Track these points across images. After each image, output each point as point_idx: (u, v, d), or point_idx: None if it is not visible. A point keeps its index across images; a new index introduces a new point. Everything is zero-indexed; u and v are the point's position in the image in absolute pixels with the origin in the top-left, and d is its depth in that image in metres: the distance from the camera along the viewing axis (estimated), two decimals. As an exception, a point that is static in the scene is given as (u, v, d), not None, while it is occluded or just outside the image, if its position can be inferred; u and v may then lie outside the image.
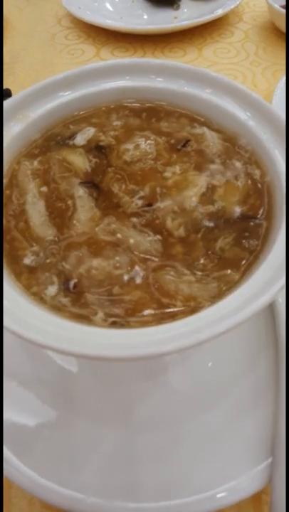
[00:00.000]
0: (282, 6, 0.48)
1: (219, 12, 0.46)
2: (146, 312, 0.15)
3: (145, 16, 0.52)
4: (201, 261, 0.16)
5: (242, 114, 0.20)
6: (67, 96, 0.22)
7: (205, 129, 0.21)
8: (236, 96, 0.21)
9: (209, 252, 0.17)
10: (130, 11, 0.53)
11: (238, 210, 0.18)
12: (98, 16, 0.50)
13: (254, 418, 0.18)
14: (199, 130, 0.21)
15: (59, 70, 0.45)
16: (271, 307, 0.22)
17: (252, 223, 0.17)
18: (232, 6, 0.47)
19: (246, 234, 0.17)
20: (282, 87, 0.35)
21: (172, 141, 0.21)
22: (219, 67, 0.44)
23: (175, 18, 0.50)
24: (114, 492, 0.16)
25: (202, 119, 0.22)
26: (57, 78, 0.22)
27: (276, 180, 0.18)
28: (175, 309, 0.15)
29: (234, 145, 0.21)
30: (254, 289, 0.14)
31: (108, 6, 0.53)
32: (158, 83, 0.23)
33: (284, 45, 0.46)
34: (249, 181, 0.19)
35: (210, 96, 0.21)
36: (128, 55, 0.47)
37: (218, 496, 0.15)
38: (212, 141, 0.21)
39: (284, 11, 0.45)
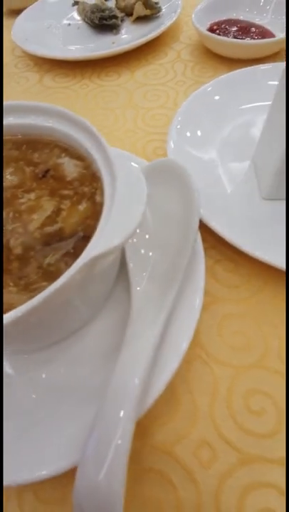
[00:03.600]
0: (211, 25, 0.51)
1: (144, 39, 0.49)
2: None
3: (89, 43, 0.56)
4: (29, 275, 0.20)
5: (89, 145, 0.23)
6: None
7: (66, 159, 0.25)
8: (86, 131, 0.24)
9: (38, 267, 0.20)
10: (74, 38, 0.57)
11: (72, 230, 0.21)
12: (43, 46, 0.54)
13: (79, 421, 0.21)
14: (62, 160, 0.25)
15: (4, 98, 0.49)
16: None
17: (79, 241, 0.21)
18: (160, 30, 0.51)
19: (72, 251, 0.20)
20: (187, 106, 0.38)
21: (36, 171, 0.25)
22: (147, 88, 0.47)
23: (113, 43, 0.54)
24: None
25: (70, 150, 0.26)
26: None
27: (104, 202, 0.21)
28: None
29: (89, 172, 0.24)
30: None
31: (54, 35, 0.58)
32: (33, 120, 0.26)
33: (211, 62, 0.49)
34: (90, 205, 0.22)
35: (70, 131, 0.25)
36: (68, 81, 0.51)
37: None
38: (70, 170, 0.24)
39: (209, 33, 0.48)
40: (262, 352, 0.25)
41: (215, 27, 0.51)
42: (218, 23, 0.52)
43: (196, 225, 0.24)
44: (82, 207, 0.23)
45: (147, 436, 0.23)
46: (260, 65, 0.42)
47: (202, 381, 0.24)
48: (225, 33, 0.50)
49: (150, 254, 0.26)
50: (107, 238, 0.18)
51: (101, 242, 0.18)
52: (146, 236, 0.26)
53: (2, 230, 0.21)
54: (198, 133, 0.36)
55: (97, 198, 0.23)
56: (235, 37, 0.49)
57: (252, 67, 0.41)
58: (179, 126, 0.36)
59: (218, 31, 0.51)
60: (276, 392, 0.23)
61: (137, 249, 0.26)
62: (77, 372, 0.24)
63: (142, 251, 0.26)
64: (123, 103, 0.46)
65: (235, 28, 0.51)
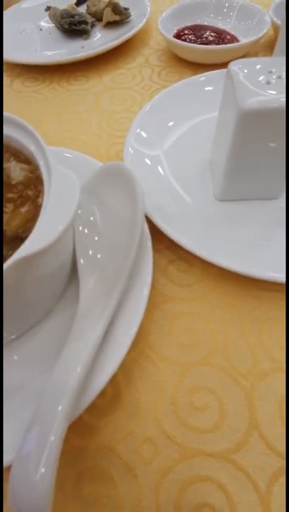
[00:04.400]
0: (178, 31, 0.52)
1: (111, 44, 0.50)
2: None
3: (59, 47, 0.56)
4: None
5: (34, 149, 0.24)
6: None
7: (13, 163, 0.25)
8: (29, 134, 0.24)
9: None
10: (46, 43, 0.57)
11: (13, 233, 0.22)
12: (15, 50, 0.55)
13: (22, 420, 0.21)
14: (9, 164, 0.25)
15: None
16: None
17: (18, 244, 0.21)
18: (127, 36, 0.51)
19: (10, 252, 0.21)
20: (146, 112, 0.39)
21: (-17, 175, 0.25)
22: (114, 92, 0.48)
23: (82, 48, 0.54)
24: None
25: (19, 154, 0.26)
26: None
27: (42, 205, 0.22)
28: None
29: (35, 175, 0.25)
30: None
31: (26, 39, 0.58)
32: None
33: (177, 67, 0.50)
34: (32, 208, 0.23)
35: (16, 135, 0.25)
36: (37, 85, 0.51)
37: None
38: (15, 174, 0.25)
39: (174, 39, 0.49)
40: (208, 349, 0.26)
41: (181, 32, 0.52)
42: (184, 29, 0.53)
43: (140, 226, 0.25)
44: (24, 210, 0.23)
45: (92, 435, 0.23)
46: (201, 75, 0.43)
47: (149, 379, 0.25)
48: (196, 37, 0.51)
49: (98, 256, 0.26)
50: (35, 241, 0.18)
51: (29, 245, 0.18)
52: (96, 238, 0.27)
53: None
54: (156, 138, 0.37)
55: (40, 201, 0.23)
56: (202, 42, 0.51)
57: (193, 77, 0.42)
58: (137, 132, 0.37)
59: (184, 36, 0.52)
60: (219, 388, 0.24)
61: (86, 250, 0.27)
62: (24, 372, 0.24)
63: (90, 252, 0.26)
64: (90, 107, 0.47)
65: (207, 33, 0.52)
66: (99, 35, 0.57)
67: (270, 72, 0.24)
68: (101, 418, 0.24)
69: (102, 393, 0.24)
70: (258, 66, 0.25)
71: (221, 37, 0.50)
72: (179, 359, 0.26)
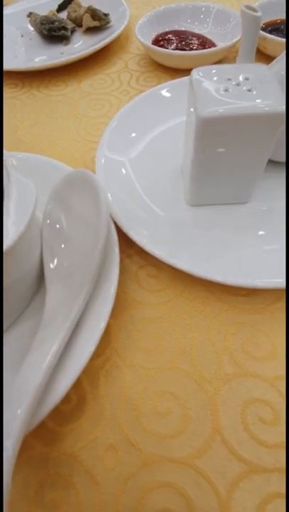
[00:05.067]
0: (157, 37, 0.53)
1: (89, 50, 0.51)
2: None
3: (39, 53, 0.56)
4: None
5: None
6: None
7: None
8: None
9: None
10: (26, 49, 0.58)
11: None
12: (-6, 56, 0.55)
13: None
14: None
15: None
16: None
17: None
18: (105, 42, 0.52)
19: None
20: (119, 119, 0.39)
21: None
22: (92, 97, 0.48)
23: (62, 53, 0.55)
24: None
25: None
26: None
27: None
28: None
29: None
30: None
31: (6, 45, 0.58)
32: None
33: (156, 72, 0.51)
34: None
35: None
36: (16, 91, 0.52)
37: None
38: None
39: (151, 45, 0.49)
40: (173, 354, 0.26)
41: (160, 38, 0.53)
42: (162, 34, 0.53)
43: (104, 232, 0.25)
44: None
45: (55, 443, 0.23)
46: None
47: (114, 385, 0.25)
48: (177, 42, 0.52)
49: (65, 264, 0.26)
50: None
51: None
52: (62, 245, 0.27)
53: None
54: (128, 144, 0.37)
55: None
56: (183, 48, 0.51)
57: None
58: (109, 139, 0.37)
59: (163, 42, 0.52)
60: (183, 393, 0.24)
61: (53, 258, 0.27)
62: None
63: (57, 260, 0.26)
64: (67, 112, 0.47)
65: (187, 38, 0.52)
66: (80, 41, 0.58)
67: (229, 79, 0.24)
68: (65, 425, 0.24)
69: (67, 400, 0.25)
70: (219, 73, 0.25)
71: (200, 42, 0.50)
72: (145, 364, 0.26)
